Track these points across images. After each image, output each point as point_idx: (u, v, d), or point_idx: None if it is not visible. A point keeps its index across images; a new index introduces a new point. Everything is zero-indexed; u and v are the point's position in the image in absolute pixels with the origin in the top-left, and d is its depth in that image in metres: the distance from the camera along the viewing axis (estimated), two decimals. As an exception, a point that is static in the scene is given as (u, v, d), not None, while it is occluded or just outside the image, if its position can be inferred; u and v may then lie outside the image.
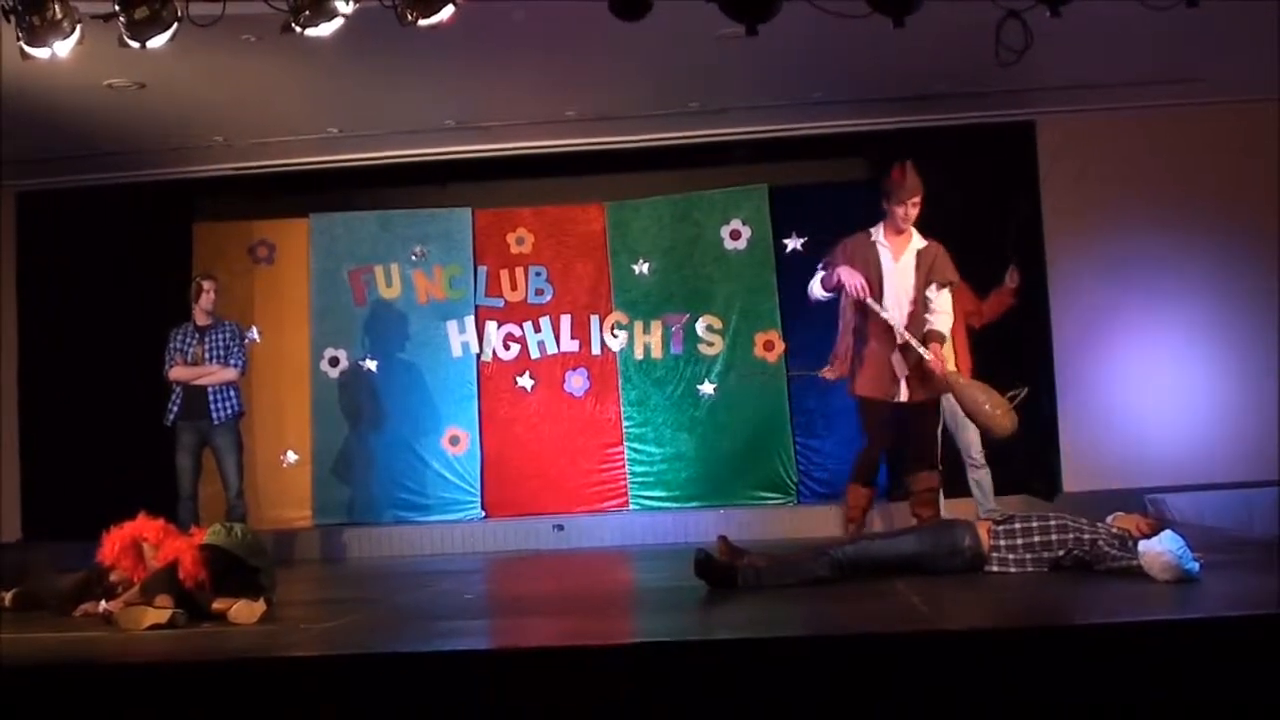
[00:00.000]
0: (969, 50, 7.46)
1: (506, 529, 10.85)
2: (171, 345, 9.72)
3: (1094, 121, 10.61)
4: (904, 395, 8.22)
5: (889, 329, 8.17)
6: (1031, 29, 6.60)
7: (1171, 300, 10.51)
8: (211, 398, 9.62)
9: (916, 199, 8.21)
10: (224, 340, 9.71)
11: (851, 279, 8.11)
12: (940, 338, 8.21)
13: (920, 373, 8.14)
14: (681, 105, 10.24)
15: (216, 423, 9.62)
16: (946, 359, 8.37)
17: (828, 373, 9.51)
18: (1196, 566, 5.89)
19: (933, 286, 8.23)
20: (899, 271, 8.23)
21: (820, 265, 8.51)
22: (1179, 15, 6.52)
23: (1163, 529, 6.37)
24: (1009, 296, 9.83)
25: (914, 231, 8.31)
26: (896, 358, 8.19)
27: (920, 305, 8.23)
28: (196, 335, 9.72)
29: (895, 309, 8.18)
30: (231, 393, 9.70)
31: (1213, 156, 10.48)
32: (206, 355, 9.67)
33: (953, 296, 9.44)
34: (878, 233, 8.33)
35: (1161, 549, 5.94)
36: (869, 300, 8.10)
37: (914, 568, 6.52)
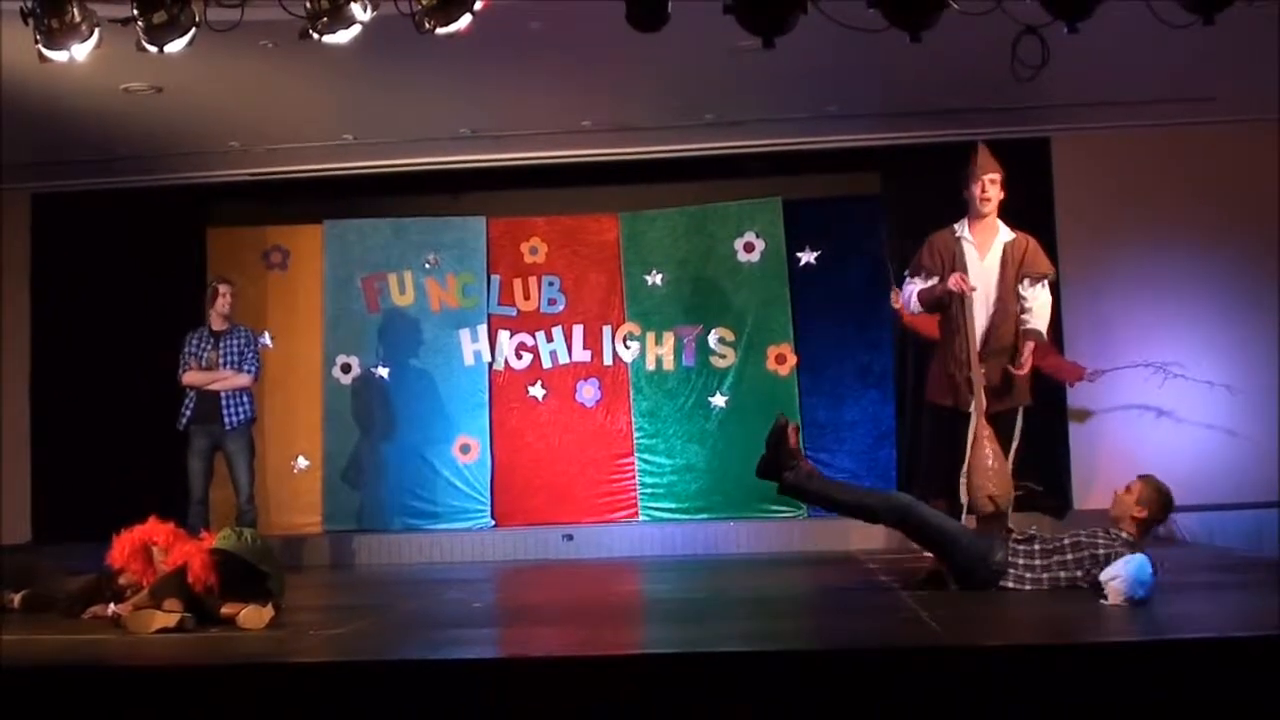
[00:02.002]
0: (985, 66, 7.44)
1: (516, 538, 10.85)
2: (186, 349, 9.74)
3: (1109, 139, 10.60)
4: (971, 407, 7.80)
5: (967, 333, 7.81)
6: (1048, 45, 6.60)
7: (1183, 318, 10.48)
8: (224, 403, 9.64)
9: (993, 176, 7.89)
10: (238, 346, 9.73)
11: (959, 284, 7.72)
12: (1037, 336, 7.84)
13: (999, 382, 7.79)
14: (697, 117, 10.24)
15: (229, 428, 9.64)
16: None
17: (898, 298, 9.36)
18: (1141, 594, 5.91)
19: (1026, 281, 7.85)
20: (985, 270, 7.87)
21: (908, 273, 8.20)
22: (1195, 34, 6.51)
23: (1158, 503, 6.43)
24: (1074, 379, 9.91)
25: (1000, 224, 7.97)
26: (975, 365, 7.79)
27: (1010, 303, 7.83)
28: (211, 340, 9.75)
29: (981, 311, 7.82)
30: (244, 398, 9.72)
31: (1226, 176, 10.45)
32: (221, 360, 9.69)
33: None
34: (962, 228, 8.00)
35: (1116, 574, 6.01)
36: (968, 301, 7.72)
37: (946, 548, 6.61)
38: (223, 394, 9.65)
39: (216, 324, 9.80)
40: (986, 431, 7.69)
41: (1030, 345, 7.78)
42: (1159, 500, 6.50)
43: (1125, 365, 10.12)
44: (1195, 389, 10.41)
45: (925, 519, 6.73)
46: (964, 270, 7.85)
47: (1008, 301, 7.85)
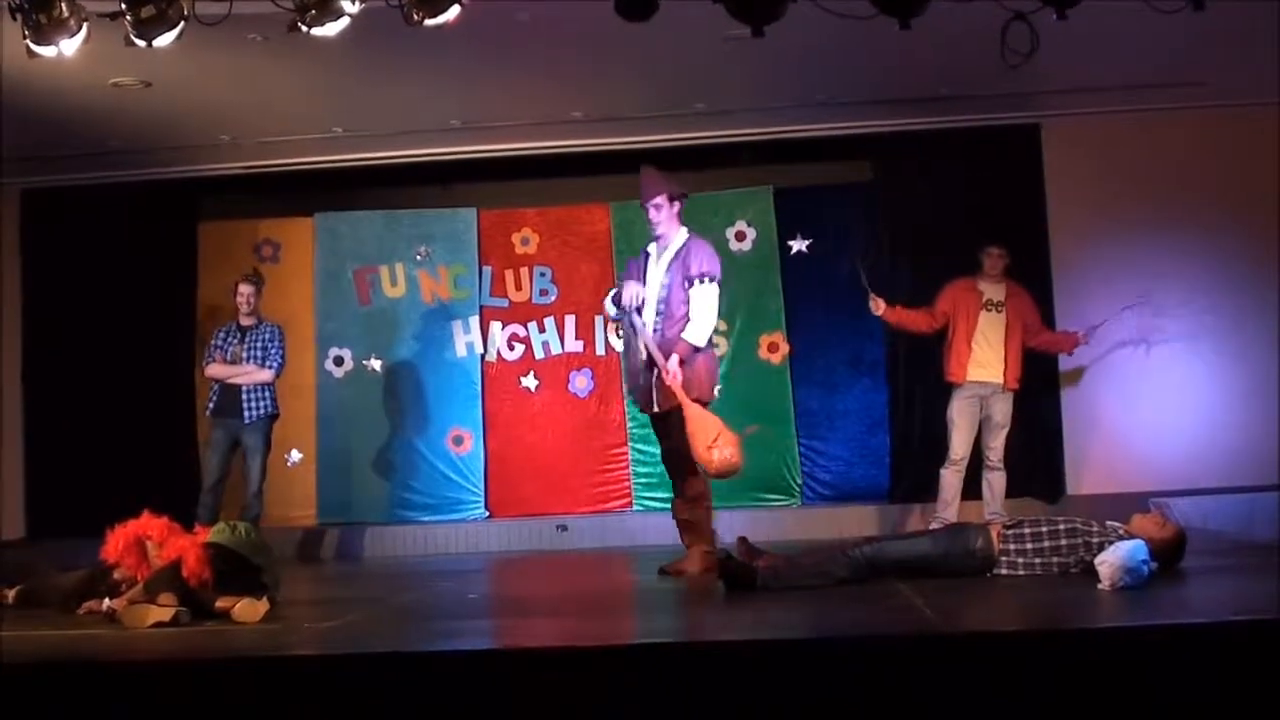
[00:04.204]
0: (975, 53, 7.46)
1: (510, 529, 10.85)
2: (213, 343, 9.84)
3: (1099, 125, 10.60)
4: (656, 406, 7.83)
5: (642, 342, 7.78)
6: (1037, 32, 6.60)
7: (1175, 304, 10.49)
8: (245, 397, 9.70)
9: (657, 201, 7.83)
10: (263, 341, 9.79)
11: (629, 292, 7.73)
12: (684, 349, 7.68)
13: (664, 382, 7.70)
14: (687, 106, 10.24)
15: (247, 422, 9.69)
16: (704, 373, 7.85)
17: (879, 306, 9.54)
18: (1133, 579, 5.96)
19: (689, 284, 7.73)
20: (656, 273, 7.84)
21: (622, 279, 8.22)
22: (1184, 19, 6.52)
23: (1175, 533, 6.47)
24: (1071, 346, 9.90)
25: (685, 231, 7.89)
26: (646, 368, 7.79)
27: (676, 306, 7.73)
28: (238, 334, 9.80)
29: (650, 313, 7.78)
30: (266, 393, 9.77)
31: (1217, 161, 10.46)
32: (245, 355, 9.73)
33: (1019, 310, 9.46)
34: (654, 244, 7.99)
35: (1109, 557, 6.05)
36: (630, 313, 7.74)
37: (929, 568, 6.58)
38: (244, 388, 9.71)
39: (244, 319, 9.83)
40: (696, 408, 7.68)
41: (675, 356, 7.62)
42: (1177, 542, 6.55)
43: (1111, 317, 10.06)
44: (1189, 378, 10.43)
45: (894, 555, 6.71)
46: (643, 280, 7.84)
47: (673, 305, 7.75)
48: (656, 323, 7.78)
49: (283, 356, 9.87)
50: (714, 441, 7.53)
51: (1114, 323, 10.14)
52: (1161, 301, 10.42)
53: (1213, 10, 6.50)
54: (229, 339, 9.83)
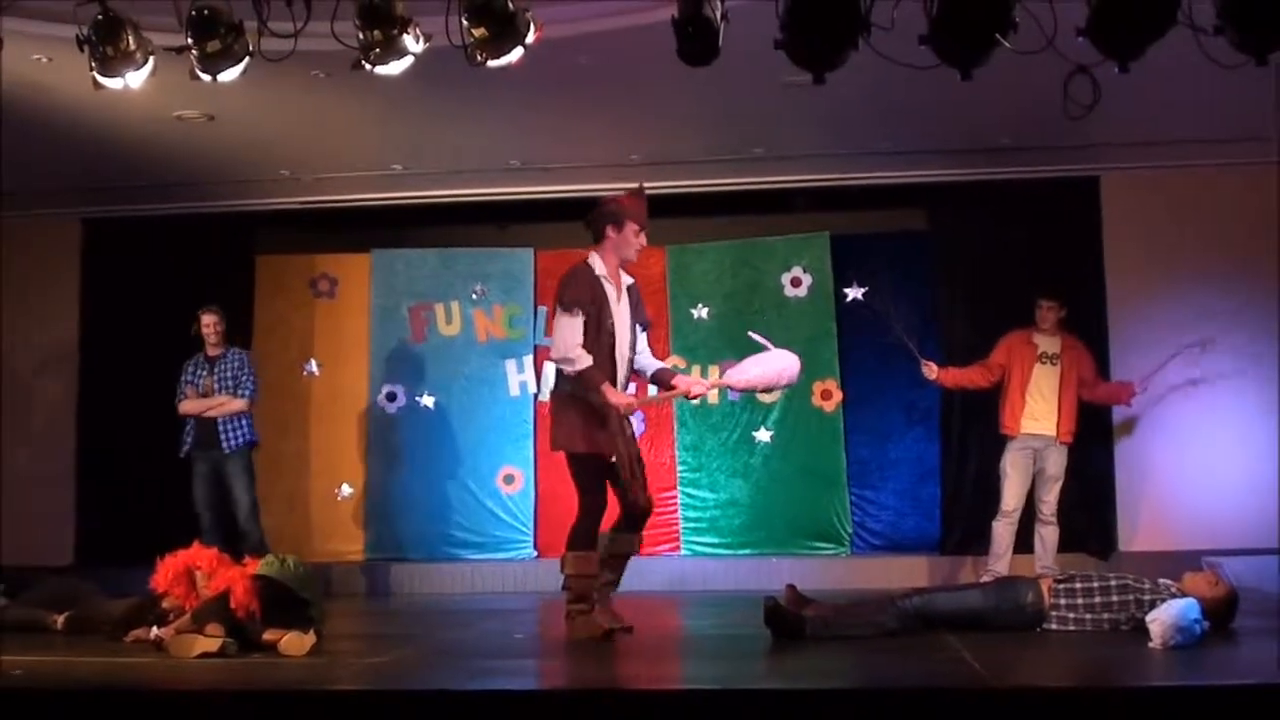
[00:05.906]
0: (1036, 104, 7.43)
1: (558, 569, 10.80)
2: (182, 378, 9.80)
3: (1158, 178, 10.53)
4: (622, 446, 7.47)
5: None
6: (1100, 84, 6.57)
7: (1233, 359, 10.38)
8: (222, 428, 9.66)
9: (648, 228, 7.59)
10: (232, 370, 9.76)
11: (623, 400, 7.28)
12: (674, 373, 7.73)
13: (624, 424, 7.42)
14: (745, 151, 10.25)
15: (227, 452, 9.66)
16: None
17: (932, 371, 9.69)
18: (1184, 638, 5.91)
19: (638, 327, 7.57)
20: (621, 311, 7.49)
21: (562, 308, 7.36)
22: (1247, 73, 6.47)
23: (1228, 592, 6.42)
24: (1127, 397, 9.82)
25: (620, 270, 7.66)
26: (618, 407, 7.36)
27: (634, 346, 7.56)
28: (206, 366, 9.80)
29: (622, 349, 7.42)
30: (243, 422, 9.73)
31: (1277, 215, 10.36)
32: (216, 385, 9.72)
33: (1074, 363, 9.51)
34: (597, 264, 7.50)
35: (1160, 615, 6.01)
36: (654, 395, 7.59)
37: (979, 622, 6.56)
38: (220, 419, 9.67)
39: (210, 350, 9.84)
40: (743, 381, 7.65)
41: (681, 378, 7.71)
42: (1230, 601, 6.51)
43: (1166, 361, 9.93)
44: (1246, 435, 10.33)
45: (944, 608, 6.71)
46: (607, 310, 7.37)
47: (637, 344, 7.56)
48: (631, 358, 7.55)
49: (254, 383, 9.83)
50: (771, 379, 7.57)
51: (1166, 368, 10.02)
52: (1218, 356, 10.32)
53: (1275, 64, 6.46)
54: (198, 372, 9.80)
